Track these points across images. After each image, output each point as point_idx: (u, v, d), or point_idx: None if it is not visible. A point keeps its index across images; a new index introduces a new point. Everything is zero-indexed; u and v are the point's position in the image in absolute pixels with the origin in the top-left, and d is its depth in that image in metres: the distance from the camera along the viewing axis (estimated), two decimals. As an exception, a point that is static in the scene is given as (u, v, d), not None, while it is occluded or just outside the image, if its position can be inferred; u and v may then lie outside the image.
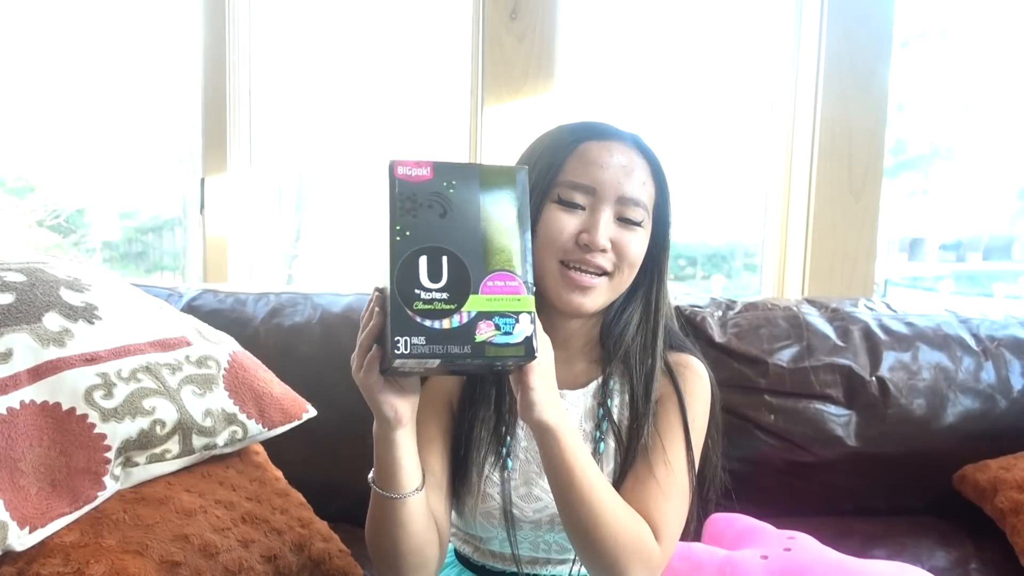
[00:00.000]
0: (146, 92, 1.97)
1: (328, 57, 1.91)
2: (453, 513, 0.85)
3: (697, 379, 0.85)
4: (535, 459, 0.82)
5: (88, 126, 2.02)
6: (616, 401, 0.83)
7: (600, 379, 0.84)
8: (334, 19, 1.89)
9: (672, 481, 0.78)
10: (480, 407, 0.82)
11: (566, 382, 0.84)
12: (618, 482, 0.80)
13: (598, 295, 0.78)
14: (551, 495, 0.78)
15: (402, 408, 0.67)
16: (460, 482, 0.82)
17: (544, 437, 0.69)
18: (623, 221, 0.78)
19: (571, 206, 0.77)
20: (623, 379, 0.83)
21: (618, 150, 0.78)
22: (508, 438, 0.82)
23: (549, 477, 0.71)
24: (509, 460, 0.82)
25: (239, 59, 1.77)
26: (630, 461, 0.80)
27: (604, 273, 0.78)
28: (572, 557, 0.82)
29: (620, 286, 0.80)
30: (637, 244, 0.79)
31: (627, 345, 0.82)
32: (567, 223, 0.76)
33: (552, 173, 0.77)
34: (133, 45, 1.95)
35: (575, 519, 0.71)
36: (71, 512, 0.78)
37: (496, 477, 0.81)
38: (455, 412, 0.84)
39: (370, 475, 0.73)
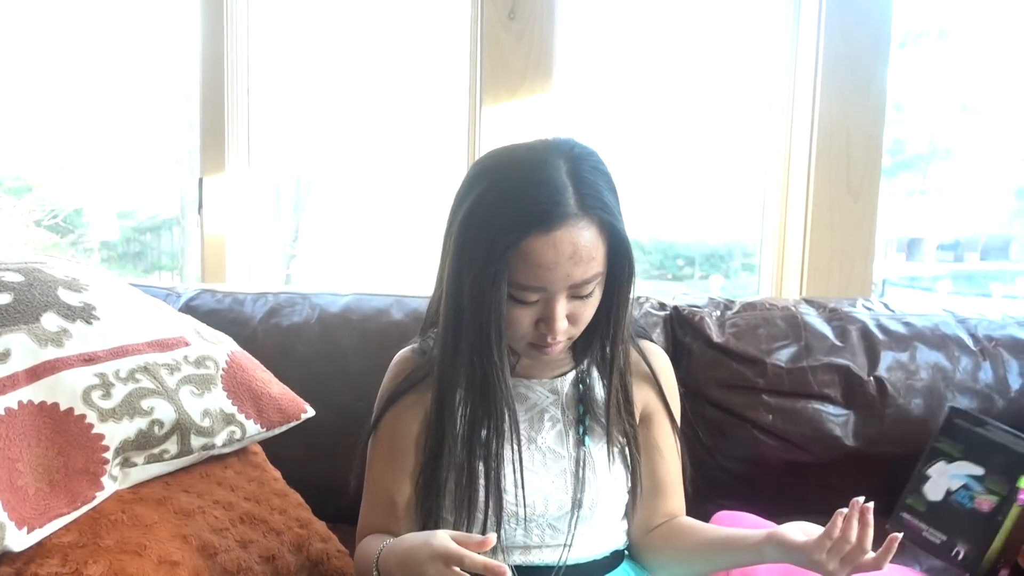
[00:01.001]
0: (144, 92, 1.97)
1: (326, 57, 1.91)
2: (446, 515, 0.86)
3: (667, 364, 0.97)
4: (525, 446, 0.86)
5: (86, 126, 2.01)
6: (597, 387, 0.90)
7: (580, 368, 0.91)
8: (332, 19, 1.89)
9: (676, 466, 0.94)
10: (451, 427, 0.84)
11: (548, 371, 0.90)
12: (612, 462, 0.87)
13: (563, 349, 0.85)
14: (540, 478, 0.86)
15: None
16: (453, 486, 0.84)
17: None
18: (576, 296, 0.79)
19: (525, 303, 0.78)
20: (599, 369, 0.90)
21: (563, 239, 0.74)
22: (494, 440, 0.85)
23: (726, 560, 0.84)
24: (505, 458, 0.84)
25: (237, 59, 1.77)
26: (615, 442, 0.87)
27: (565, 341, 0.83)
28: (566, 527, 0.85)
29: (579, 333, 0.84)
30: (592, 307, 0.81)
31: (599, 349, 0.88)
32: (524, 317, 0.79)
33: (499, 271, 0.76)
34: (131, 45, 1.95)
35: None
36: (69, 512, 0.78)
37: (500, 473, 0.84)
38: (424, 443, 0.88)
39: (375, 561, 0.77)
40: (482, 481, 0.82)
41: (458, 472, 0.83)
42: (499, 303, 0.77)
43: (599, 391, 0.90)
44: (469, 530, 0.84)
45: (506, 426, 0.82)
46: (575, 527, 0.85)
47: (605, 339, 0.85)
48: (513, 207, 0.75)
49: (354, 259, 2.01)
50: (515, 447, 0.83)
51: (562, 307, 0.78)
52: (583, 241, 0.75)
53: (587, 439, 0.87)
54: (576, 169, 0.76)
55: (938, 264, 2.03)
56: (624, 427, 0.88)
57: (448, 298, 0.82)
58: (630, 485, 0.89)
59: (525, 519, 0.84)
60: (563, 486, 0.85)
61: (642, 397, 0.92)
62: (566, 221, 0.74)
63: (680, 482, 0.95)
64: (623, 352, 0.87)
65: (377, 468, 0.89)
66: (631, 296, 0.84)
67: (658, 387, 0.93)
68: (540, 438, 0.87)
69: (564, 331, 0.80)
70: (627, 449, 0.88)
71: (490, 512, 0.82)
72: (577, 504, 0.84)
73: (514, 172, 0.77)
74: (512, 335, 0.81)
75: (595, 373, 0.90)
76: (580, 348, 0.88)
